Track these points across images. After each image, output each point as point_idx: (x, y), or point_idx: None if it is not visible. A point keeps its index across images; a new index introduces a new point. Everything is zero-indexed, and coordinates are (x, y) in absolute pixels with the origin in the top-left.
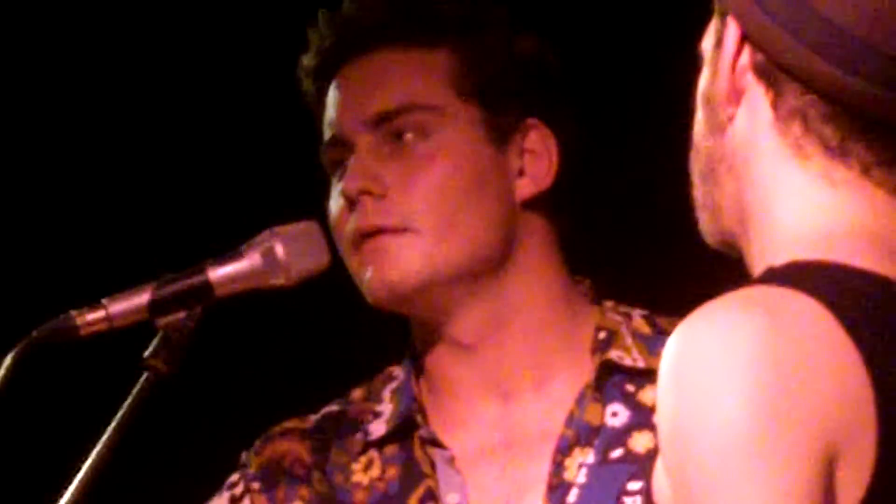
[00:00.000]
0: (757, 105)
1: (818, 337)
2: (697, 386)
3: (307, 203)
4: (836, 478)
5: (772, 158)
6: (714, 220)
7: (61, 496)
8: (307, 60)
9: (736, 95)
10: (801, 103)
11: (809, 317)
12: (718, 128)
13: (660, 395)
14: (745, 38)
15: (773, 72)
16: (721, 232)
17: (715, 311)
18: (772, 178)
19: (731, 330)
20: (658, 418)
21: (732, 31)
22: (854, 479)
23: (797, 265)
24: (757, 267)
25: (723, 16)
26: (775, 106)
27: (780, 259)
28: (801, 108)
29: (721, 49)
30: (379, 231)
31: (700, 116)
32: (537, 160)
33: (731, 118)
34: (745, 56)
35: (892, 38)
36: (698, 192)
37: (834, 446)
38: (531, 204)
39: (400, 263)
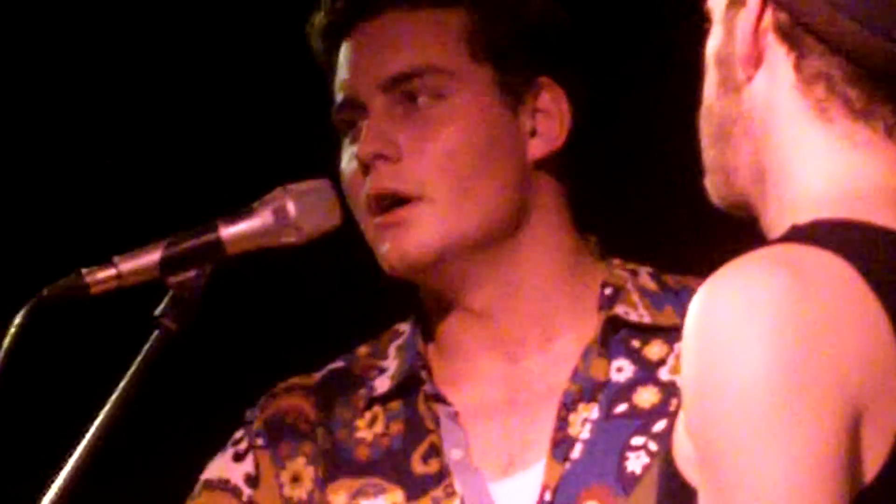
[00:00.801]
0: (777, 66)
1: (844, 296)
2: (722, 345)
3: (318, 160)
4: (860, 437)
5: (793, 120)
6: (727, 181)
7: (71, 454)
8: (318, 19)
9: (756, 57)
10: (826, 65)
11: (835, 275)
12: (734, 89)
13: (684, 353)
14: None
15: (796, 33)
16: (734, 193)
17: (740, 269)
18: (793, 139)
19: (756, 288)
20: (682, 377)
21: None
22: (879, 439)
23: (821, 224)
24: (775, 227)
25: None
26: (798, 68)
27: (802, 218)
28: (826, 69)
29: (737, 8)
30: (394, 195)
31: (713, 77)
32: (549, 120)
33: (750, 79)
34: (767, 16)
35: None
36: (709, 154)
37: (859, 406)
38: (543, 164)
39: (417, 237)
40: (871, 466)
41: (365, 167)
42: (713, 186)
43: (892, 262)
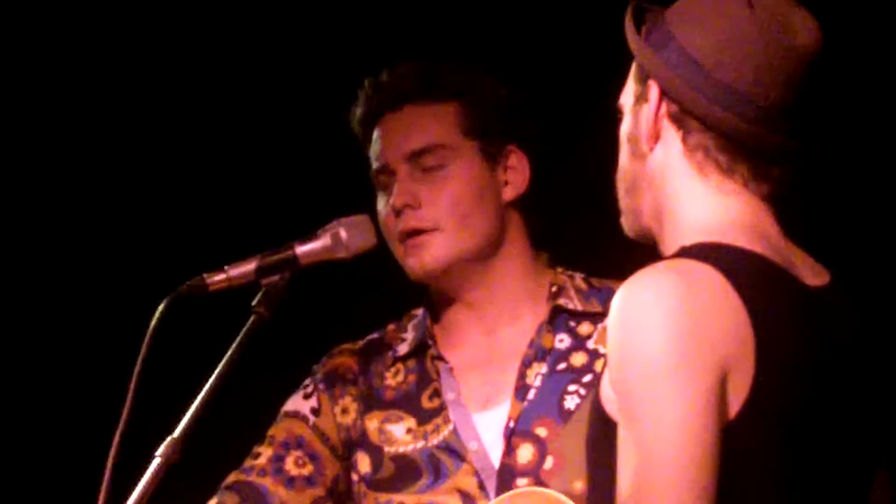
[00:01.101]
0: (670, 141)
1: (715, 293)
2: (635, 326)
3: (360, 202)
4: (726, 388)
5: (681, 177)
6: (636, 219)
7: (198, 396)
8: (357, 110)
9: (656, 135)
10: (703, 138)
11: (709, 279)
12: (640, 157)
13: (609, 330)
14: (663, 95)
15: (683, 118)
16: (641, 227)
17: (647, 274)
18: (681, 190)
19: (657, 287)
20: (608, 347)
21: (654, 90)
22: (739, 389)
23: (700, 245)
24: (669, 249)
25: (644, 79)
26: (684, 141)
27: (688, 242)
28: (703, 141)
29: (642, 104)
30: (418, 231)
31: (625, 149)
32: (516, 174)
33: (651, 150)
34: (663, 107)
35: (765, 92)
36: (623, 201)
37: (725, 367)
38: (513, 204)
39: (432, 255)
40: (734, 407)
41: (396, 212)
42: (627, 223)
43: (748, 270)
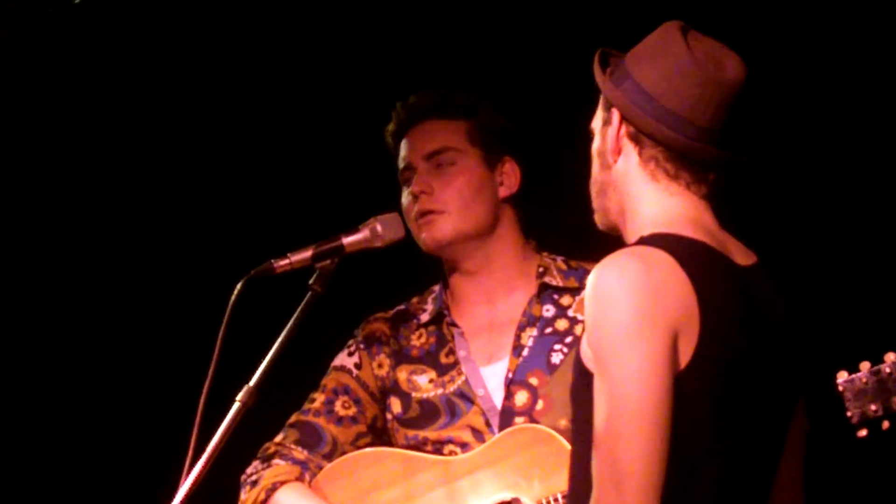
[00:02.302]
0: (629, 154)
1: (667, 271)
2: (605, 299)
3: (391, 203)
4: (678, 346)
5: (639, 182)
6: (605, 216)
7: (271, 355)
8: (390, 128)
9: (618, 150)
10: (654, 152)
11: (663, 261)
12: (607, 167)
13: (586, 301)
14: (623, 119)
15: (638, 136)
16: (609, 222)
17: (614, 259)
18: (639, 192)
19: (621, 269)
20: (585, 316)
21: (616, 116)
22: (687, 346)
23: (655, 235)
24: (631, 238)
25: (609, 108)
26: (640, 154)
27: (645, 233)
28: (654, 154)
29: (608, 126)
30: (430, 212)
31: (595, 162)
32: (509, 178)
33: (615, 162)
34: (623, 129)
35: (701, 114)
36: (595, 201)
37: (677, 329)
38: (506, 200)
39: (440, 229)
40: (684, 360)
41: (415, 198)
42: (598, 219)
43: (691, 253)
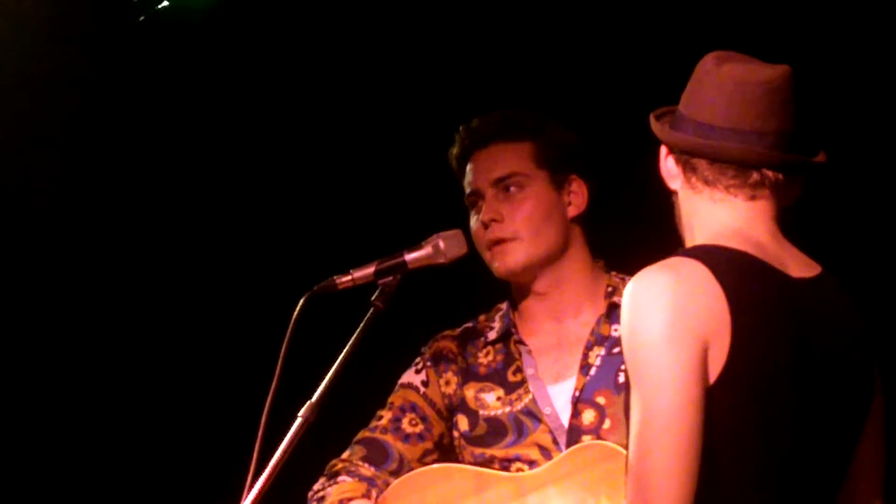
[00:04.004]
0: (677, 176)
1: (698, 283)
2: (637, 311)
3: (454, 219)
4: (708, 358)
5: (689, 199)
6: (681, 230)
7: (333, 371)
8: (454, 149)
9: (670, 176)
10: (692, 164)
11: (695, 272)
12: (674, 193)
13: (622, 315)
14: (669, 150)
15: (681, 157)
16: (683, 235)
17: (647, 272)
18: (692, 209)
19: (653, 282)
20: (621, 328)
21: (664, 149)
22: (718, 359)
23: (696, 247)
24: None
25: (660, 143)
26: (684, 172)
27: (696, 243)
28: (693, 165)
29: (662, 157)
30: (502, 240)
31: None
32: (577, 197)
33: (672, 188)
34: (666, 156)
35: (729, 120)
36: (677, 220)
37: (708, 341)
38: (575, 220)
39: (513, 258)
40: (714, 373)
41: (485, 226)
42: (681, 231)
43: (730, 265)
